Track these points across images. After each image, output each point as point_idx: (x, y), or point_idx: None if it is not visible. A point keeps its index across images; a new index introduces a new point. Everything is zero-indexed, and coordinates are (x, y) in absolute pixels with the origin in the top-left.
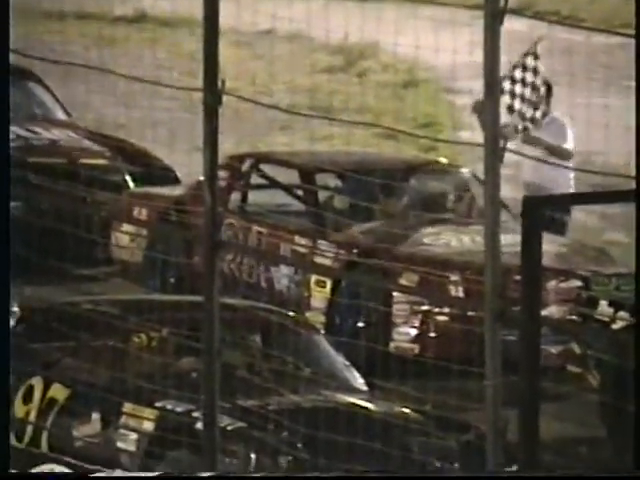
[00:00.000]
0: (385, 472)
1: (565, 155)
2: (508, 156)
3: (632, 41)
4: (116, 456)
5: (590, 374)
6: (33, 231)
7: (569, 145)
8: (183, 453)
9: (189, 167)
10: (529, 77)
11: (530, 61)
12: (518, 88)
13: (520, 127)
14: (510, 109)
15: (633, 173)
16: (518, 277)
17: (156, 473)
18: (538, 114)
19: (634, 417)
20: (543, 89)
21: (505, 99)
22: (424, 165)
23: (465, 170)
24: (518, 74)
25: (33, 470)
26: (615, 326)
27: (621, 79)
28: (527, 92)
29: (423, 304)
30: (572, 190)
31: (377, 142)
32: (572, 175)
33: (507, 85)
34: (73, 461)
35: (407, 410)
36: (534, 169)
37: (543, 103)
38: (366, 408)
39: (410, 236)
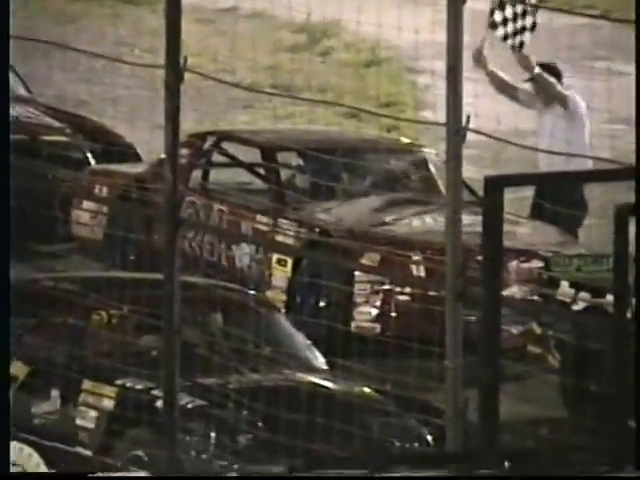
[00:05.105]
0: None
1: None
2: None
3: (596, 22)
4: (75, 433)
5: (550, 354)
6: None
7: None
8: (142, 431)
9: (150, 144)
10: None
11: None
12: (508, 11)
13: (517, 42)
14: (505, 37)
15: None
16: (479, 257)
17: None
18: (528, 21)
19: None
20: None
21: (499, 31)
22: (386, 144)
23: (427, 150)
24: None
25: None
26: (576, 307)
27: (583, 60)
28: (518, 9)
29: (384, 284)
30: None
31: (339, 121)
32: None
33: (498, 16)
34: (32, 438)
35: (367, 389)
36: (549, 158)
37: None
38: (327, 387)
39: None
